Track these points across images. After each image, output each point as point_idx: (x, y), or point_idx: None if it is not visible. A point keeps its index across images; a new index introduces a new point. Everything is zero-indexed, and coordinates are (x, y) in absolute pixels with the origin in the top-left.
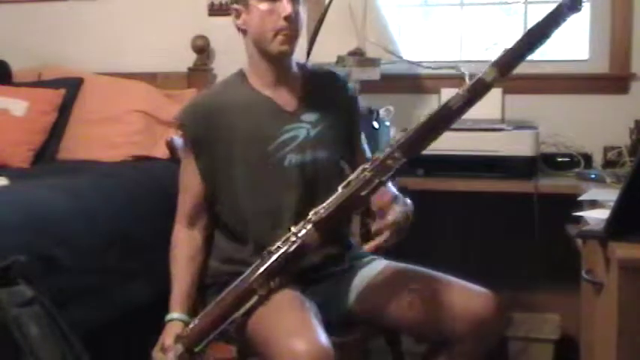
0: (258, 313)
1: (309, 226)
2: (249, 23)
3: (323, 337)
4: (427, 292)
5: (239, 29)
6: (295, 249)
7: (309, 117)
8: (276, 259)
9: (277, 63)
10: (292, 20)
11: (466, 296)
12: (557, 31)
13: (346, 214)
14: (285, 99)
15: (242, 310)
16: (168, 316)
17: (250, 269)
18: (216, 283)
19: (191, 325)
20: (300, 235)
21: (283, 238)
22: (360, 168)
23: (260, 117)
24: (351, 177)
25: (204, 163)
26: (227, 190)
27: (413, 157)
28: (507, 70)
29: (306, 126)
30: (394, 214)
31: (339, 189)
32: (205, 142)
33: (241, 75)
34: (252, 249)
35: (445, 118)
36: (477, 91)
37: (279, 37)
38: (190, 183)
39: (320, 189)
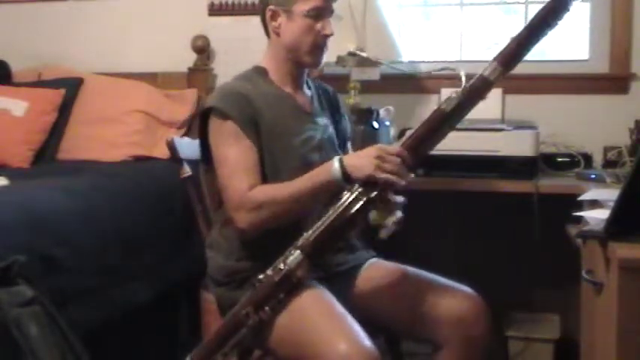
0: (293, 319)
1: (296, 252)
2: (286, 31)
3: (366, 340)
4: (409, 292)
5: (268, 29)
6: (282, 277)
7: (321, 120)
8: (264, 289)
9: (301, 68)
10: (329, 38)
11: (447, 297)
12: (559, 21)
13: (335, 236)
14: (302, 100)
15: (233, 341)
16: (336, 163)
17: (242, 299)
18: (234, 281)
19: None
20: (288, 262)
21: (272, 266)
22: (349, 186)
23: (284, 111)
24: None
25: (257, 140)
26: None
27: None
28: (511, 64)
29: (320, 128)
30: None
31: (330, 210)
32: (250, 122)
33: (260, 70)
34: (268, 242)
35: (440, 124)
36: (476, 89)
37: (315, 52)
38: (246, 158)
39: None
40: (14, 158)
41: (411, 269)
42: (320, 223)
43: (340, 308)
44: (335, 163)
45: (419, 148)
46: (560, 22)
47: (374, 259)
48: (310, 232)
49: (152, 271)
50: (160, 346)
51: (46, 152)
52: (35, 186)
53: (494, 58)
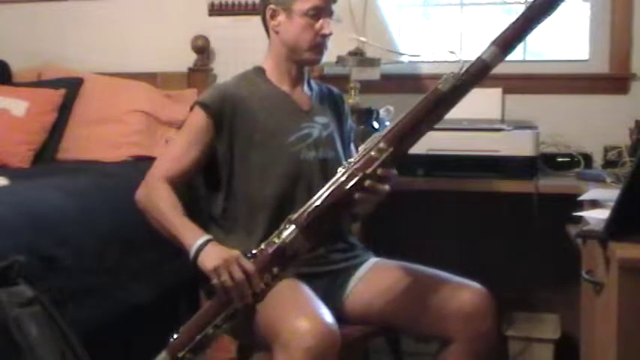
0: (263, 303)
1: (291, 227)
2: (286, 29)
3: (327, 316)
4: (417, 289)
5: (268, 28)
6: (275, 250)
7: (321, 119)
8: (258, 262)
9: (301, 67)
10: (328, 37)
11: (456, 293)
12: (559, 4)
13: (331, 210)
14: (301, 98)
15: (224, 314)
16: (204, 238)
17: None
18: None
19: (176, 335)
20: (282, 235)
21: (267, 240)
22: (345, 162)
23: (279, 110)
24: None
25: (224, 148)
26: (241, 176)
27: (403, 147)
28: (509, 47)
29: (318, 126)
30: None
31: (326, 185)
32: (228, 127)
33: (259, 70)
34: (259, 240)
35: (435, 104)
36: (474, 72)
37: (314, 50)
38: (190, 152)
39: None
40: (14, 158)
41: (415, 267)
42: (315, 197)
43: (305, 288)
44: (199, 241)
45: (414, 128)
46: (560, 5)
47: (376, 259)
48: (306, 206)
49: (152, 271)
50: (160, 347)
51: (46, 152)
52: (35, 186)
53: (493, 42)
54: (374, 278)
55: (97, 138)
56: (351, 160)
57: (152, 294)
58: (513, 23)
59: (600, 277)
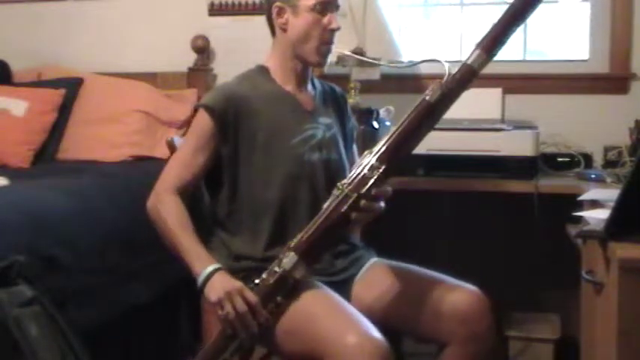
0: (298, 317)
1: (290, 254)
2: (293, 26)
3: (375, 331)
4: (413, 291)
5: (273, 27)
6: (277, 279)
7: (324, 120)
8: (260, 292)
9: (307, 66)
10: (335, 34)
11: (449, 294)
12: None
13: (329, 233)
14: (304, 98)
15: (232, 347)
16: (212, 267)
17: None
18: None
19: None
20: (282, 264)
21: (268, 269)
22: (339, 184)
23: (283, 110)
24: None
25: (228, 150)
26: (246, 178)
27: (395, 163)
28: (494, 50)
29: (322, 127)
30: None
31: (323, 207)
32: (232, 129)
33: (262, 69)
34: (264, 242)
35: (425, 115)
36: (460, 79)
37: (322, 49)
38: (199, 157)
39: (331, 187)
40: (14, 158)
41: (413, 267)
42: (313, 222)
43: (343, 302)
44: (207, 271)
45: (405, 142)
46: (541, 2)
47: (376, 259)
48: (303, 232)
49: (152, 271)
50: (160, 346)
51: (46, 152)
52: (35, 186)
53: (477, 45)
54: (371, 278)
55: (97, 138)
56: (345, 181)
57: (152, 294)
58: (496, 24)
59: (600, 277)
